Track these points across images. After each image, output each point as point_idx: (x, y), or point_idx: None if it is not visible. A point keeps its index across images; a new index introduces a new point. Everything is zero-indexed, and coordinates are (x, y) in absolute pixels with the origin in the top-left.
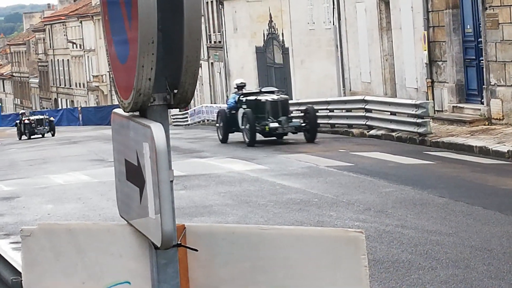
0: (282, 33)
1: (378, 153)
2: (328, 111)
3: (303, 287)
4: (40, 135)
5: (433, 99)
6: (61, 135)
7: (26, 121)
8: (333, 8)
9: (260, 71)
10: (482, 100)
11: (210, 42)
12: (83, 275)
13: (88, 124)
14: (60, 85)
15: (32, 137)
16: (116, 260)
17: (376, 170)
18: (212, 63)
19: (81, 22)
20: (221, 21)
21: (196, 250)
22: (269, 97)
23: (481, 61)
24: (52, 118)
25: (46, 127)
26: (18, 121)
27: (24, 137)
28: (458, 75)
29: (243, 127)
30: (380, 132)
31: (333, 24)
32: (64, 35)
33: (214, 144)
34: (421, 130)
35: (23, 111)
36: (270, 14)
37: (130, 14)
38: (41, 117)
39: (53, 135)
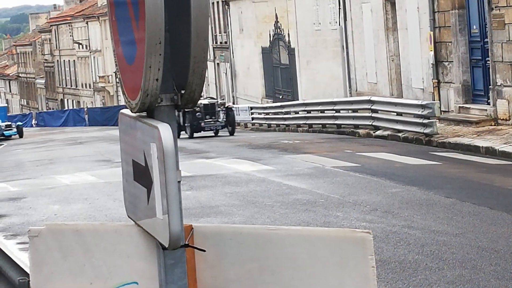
0: (288, 34)
1: (384, 153)
2: (334, 111)
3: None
4: (212, 132)
5: (439, 100)
6: (67, 135)
7: (189, 109)
8: (339, 8)
9: (266, 72)
10: (489, 101)
11: (216, 42)
12: (91, 275)
13: (94, 125)
14: (66, 85)
15: (195, 134)
16: (123, 260)
17: (383, 170)
18: (218, 63)
19: (87, 22)
20: (227, 21)
21: (204, 251)
22: None
23: (487, 62)
24: (230, 104)
25: (220, 119)
26: None
27: (184, 134)
28: (464, 75)
29: None
30: (386, 133)
31: (339, 25)
32: (70, 35)
33: (220, 145)
34: (427, 130)
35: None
36: (276, 15)
37: (138, 14)
38: (213, 101)
39: (231, 132)
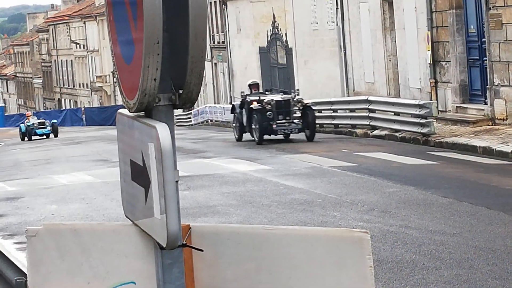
0: (286, 34)
1: (382, 153)
2: (331, 111)
3: (308, 287)
4: (282, 134)
5: (437, 99)
6: (64, 135)
7: (257, 106)
8: (337, 8)
9: (263, 72)
10: (486, 100)
11: (214, 42)
12: (89, 275)
13: (91, 125)
14: (63, 85)
15: (266, 136)
16: (121, 260)
17: (380, 170)
18: (215, 63)
19: (84, 22)
20: (224, 21)
21: (202, 250)
22: None
23: (485, 61)
24: (309, 101)
25: (296, 120)
26: (239, 103)
27: (247, 136)
28: (462, 75)
29: None
30: (383, 133)
31: (337, 25)
32: (68, 35)
33: (218, 145)
34: (424, 130)
35: (253, 81)
36: (274, 15)
37: (136, 14)
38: (287, 96)
39: (310, 137)
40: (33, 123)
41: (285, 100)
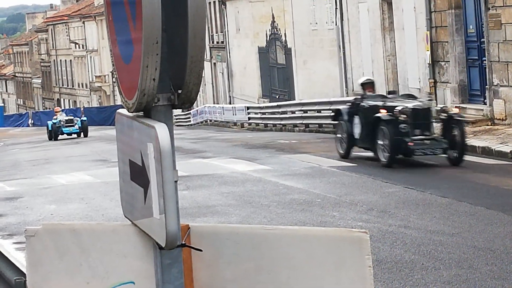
0: (285, 33)
1: None
2: (331, 111)
3: (307, 287)
4: (421, 155)
5: (436, 100)
6: (64, 135)
7: (386, 116)
8: (336, 8)
9: (262, 72)
10: (485, 101)
11: (213, 42)
12: (88, 275)
13: (90, 125)
14: (62, 85)
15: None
16: (120, 260)
17: (379, 170)
18: (214, 63)
19: (83, 22)
20: (223, 21)
21: (201, 250)
22: None
23: (484, 62)
24: (454, 109)
25: (439, 138)
26: (347, 108)
27: (358, 150)
28: (461, 75)
29: None
30: None
31: (336, 25)
32: (67, 35)
33: (217, 145)
34: None
35: (368, 79)
36: (273, 15)
37: (135, 14)
38: (427, 103)
39: (457, 159)
40: (60, 121)
41: (424, 109)
